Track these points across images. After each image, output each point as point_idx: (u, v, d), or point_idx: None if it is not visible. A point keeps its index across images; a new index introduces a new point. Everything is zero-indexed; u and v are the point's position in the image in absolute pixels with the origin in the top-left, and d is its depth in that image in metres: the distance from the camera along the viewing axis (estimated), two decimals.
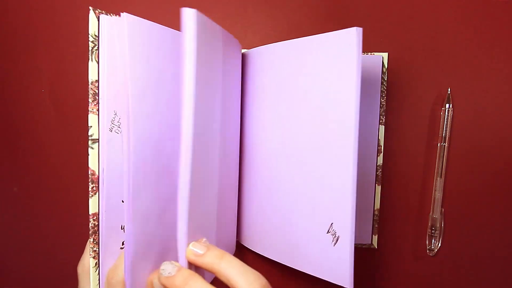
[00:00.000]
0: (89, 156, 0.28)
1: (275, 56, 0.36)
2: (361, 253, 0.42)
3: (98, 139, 0.28)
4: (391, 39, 0.40)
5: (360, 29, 0.29)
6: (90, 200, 0.29)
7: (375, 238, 0.41)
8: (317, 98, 0.32)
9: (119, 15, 0.28)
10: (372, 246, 0.42)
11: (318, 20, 0.41)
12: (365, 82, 0.39)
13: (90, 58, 0.28)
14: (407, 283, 0.43)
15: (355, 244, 0.41)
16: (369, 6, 0.40)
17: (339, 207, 0.30)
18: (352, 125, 0.29)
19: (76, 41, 0.42)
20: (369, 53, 0.40)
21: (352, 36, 0.29)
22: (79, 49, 0.42)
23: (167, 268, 0.26)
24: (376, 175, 0.40)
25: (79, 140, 0.43)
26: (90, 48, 0.28)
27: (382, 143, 0.40)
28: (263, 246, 0.38)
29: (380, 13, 0.40)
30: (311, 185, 0.33)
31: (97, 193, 0.29)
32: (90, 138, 0.28)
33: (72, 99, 0.42)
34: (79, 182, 0.43)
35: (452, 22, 0.40)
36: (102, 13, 0.28)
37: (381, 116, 0.40)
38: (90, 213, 0.29)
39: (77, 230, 0.44)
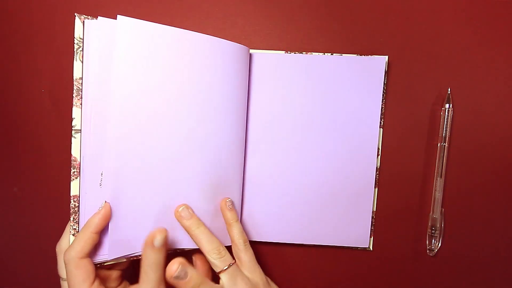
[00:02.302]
0: (72, 145, 0.32)
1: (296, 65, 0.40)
2: (357, 255, 0.42)
3: (80, 130, 0.32)
4: (391, 40, 0.40)
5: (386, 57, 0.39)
6: (72, 184, 0.32)
7: (371, 240, 0.41)
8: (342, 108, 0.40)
9: (97, 18, 0.32)
10: (367, 249, 0.42)
11: (319, 20, 0.41)
12: (368, 85, 0.39)
13: (74, 58, 0.32)
14: (407, 283, 0.43)
15: (351, 246, 0.41)
16: (368, 7, 0.40)
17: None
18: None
19: None
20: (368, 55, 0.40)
21: (381, 62, 0.39)
22: None
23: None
24: (375, 178, 0.40)
25: None
26: (75, 49, 0.32)
27: (380, 146, 0.40)
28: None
29: (379, 13, 0.40)
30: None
31: (78, 177, 0.33)
32: (73, 128, 0.32)
33: (72, 99, 0.42)
34: None
35: (451, 22, 0.40)
36: (88, 18, 0.32)
37: (381, 120, 0.40)
38: (71, 194, 0.32)
39: None
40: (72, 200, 0.33)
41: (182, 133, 0.35)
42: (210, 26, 0.41)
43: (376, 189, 0.41)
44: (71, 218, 0.33)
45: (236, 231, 0.36)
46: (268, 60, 0.40)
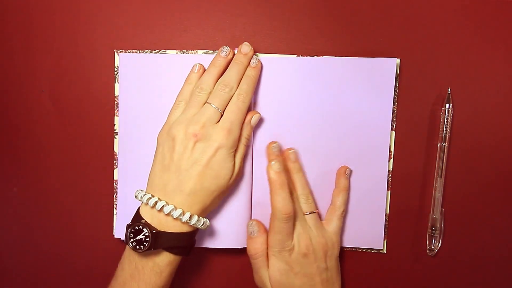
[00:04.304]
0: (114, 143, 0.42)
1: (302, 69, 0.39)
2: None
3: (118, 132, 0.42)
4: (390, 40, 0.40)
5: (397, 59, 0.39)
6: (114, 171, 0.42)
7: (385, 242, 0.42)
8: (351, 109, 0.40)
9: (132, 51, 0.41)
10: (381, 251, 0.42)
11: (319, 20, 0.41)
12: (378, 87, 0.39)
13: (115, 81, 0.41)
14: (407, 283, 0.43)
15: (364, 248, 0.42)
16: (367, 7, 0.40)
17: None
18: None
19: (76, 42, 0.42)
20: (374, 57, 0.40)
21: (392, 64, 0.39)
22: (78, 49, 0.42)
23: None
24: (388, 180, 0.40)
25: (79, 139, 0.43)
26: (115, 75, 0.41)
27: (392, 149, 0.40)
28: None
29: (379, 14, 0.40)
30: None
31: (117, 167, 0.42)
32: (115, 131, 0.41)
33: (72, 99, 0.42)
34: (78, 182, 0.43)
35: (451, 22, 0.40)
36: (122, 52, 0.41)
37: (393, 122, 0.40)
38: (114, 178, 0.42)
39: (77, 230, 0.44)
40: (114, 183, 0.42)
41: None
42: (210, 26, 0.41)
43: (389, 192, 0.41)
44: (115, 194, 0.42)
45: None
46: (277, 64, 0.39)
